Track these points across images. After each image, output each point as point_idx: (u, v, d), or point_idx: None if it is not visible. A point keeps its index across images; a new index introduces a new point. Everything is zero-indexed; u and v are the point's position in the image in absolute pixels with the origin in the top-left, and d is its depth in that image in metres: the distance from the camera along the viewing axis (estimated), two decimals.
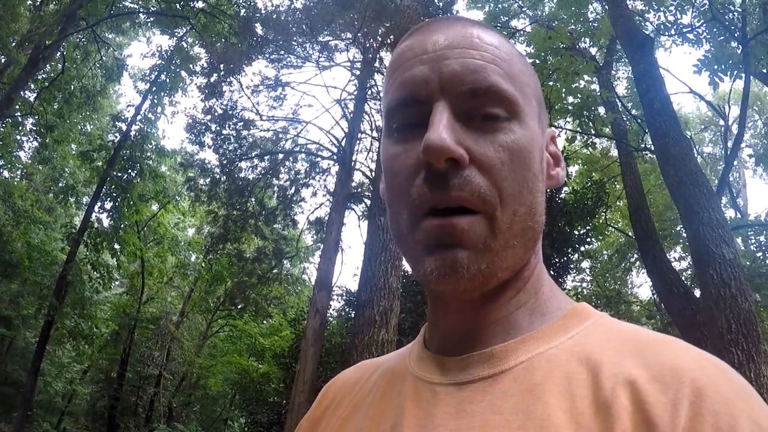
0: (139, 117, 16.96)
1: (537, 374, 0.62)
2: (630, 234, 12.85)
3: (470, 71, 0.65)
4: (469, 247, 0.62)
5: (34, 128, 16.93)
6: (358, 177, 13.99)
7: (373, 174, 11.63)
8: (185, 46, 17.12)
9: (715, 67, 8.07)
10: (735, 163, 18.29)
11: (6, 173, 18.60)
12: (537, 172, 0.68)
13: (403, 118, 0.68)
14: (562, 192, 11.63)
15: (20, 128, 16.96)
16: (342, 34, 13.68)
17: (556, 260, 10.88)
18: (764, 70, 10.14)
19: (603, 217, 12.70)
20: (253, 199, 14.38)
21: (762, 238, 12.69)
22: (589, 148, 12.23)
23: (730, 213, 15.22)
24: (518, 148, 0.65)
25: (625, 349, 0.61)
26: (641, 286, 22.91)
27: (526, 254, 0.68)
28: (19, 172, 19.65)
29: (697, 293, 7.18)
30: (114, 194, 16.10)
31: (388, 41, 12.26)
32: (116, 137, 17.08)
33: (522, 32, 13.42)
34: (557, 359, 0.63)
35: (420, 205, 0.64)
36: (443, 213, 0.63)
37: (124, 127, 16.84)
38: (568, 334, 0.66)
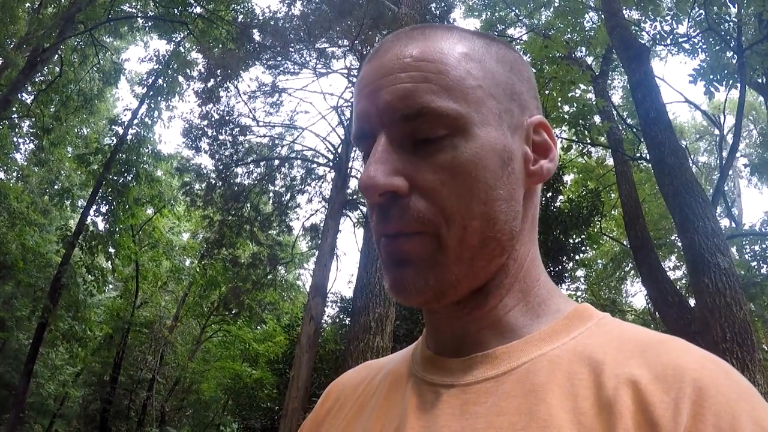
0: (135, 121, 16.98)
1: (539, 375, 0.62)
2: (625, 243, 12.90)
3: (399, 98, 0.64)
4: (415, 263, 0.65)
5: (31, 130, 16.93)
6: (353, 184, 14.00)
7: None
8: (183, 51, 17.14)
9: (711, 76, 8.08)
10: (730, 172, 18.39)
11: (2, 175, 18.58)
12: (493, 180, 0.65)
13: (362, 149, 0.71)
14: (558, 201, 11.66)
15: (17, 130, 16.95)
16: (339, 41, 13.73)
17: (551, 268, 10.90)
18: (759, 80, 10.19)
19: (598, 226, 12.74)
20: (248, 205, 14.37)
21: (757, 248, 12.72)
22: (585, 157, 12.22)
23: (725, 222, 15.28)
24: (459, 164, 0.64)
25: (628, 349, 0.61)
26: (636, 295, 22.90)
27: (490, 264, 0.67)
28: (15, 174, 19.62)
29: (692, 302, 7.18)
30: (110, 198, 16.10)
31: None
32: (113, 141, 17.10)
33: (519, 41, 13.45)
34: (559, 360, 0.63)
35: (375, 233, 0.68)
36: (391, 237, 0.66)
37: (120, 130, 16.85)
38: (570, 335, 0.66)
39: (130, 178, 16.25)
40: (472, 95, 0.66)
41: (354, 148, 13.60)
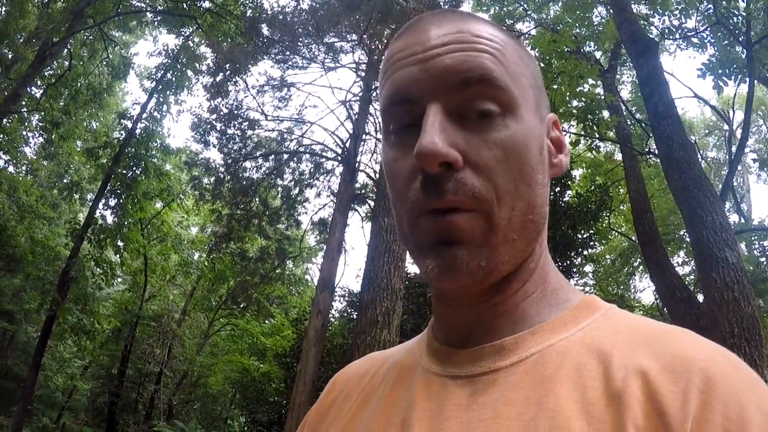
0: (144, 115, 17.00)
1: (548, 366, 0.63)
2: (633, 238, 12.84)
3: (461, 62, 0.64)
4: (468, 243, 0.63)
5: (40, 124, 16.96)
6: (362, 178, 14.00)
7: (377, 175, 11.65)
8: (191, 45, 17.15)
9: (720, 71, 8.05)
10: (739, 168, 18.29)
11: (11, 168, 18.62)
12: (535, 164, 0.67)
13: (396, 119, 0.68)
14: (566, 195, 11.63)
15: (26, 124, 17.00)
16: (348, 36, 13.70)
17: (559, 264, 10.87)
18: None
19: (606, 221, 12.68)
20: (257, 199, 14.38)
21: (766, 243, 12.67)
22: (593, 151, 12.18)
23: (733, 218, 15.25)
24: (512, 143, 0.64)
25: (636, 340, 0.61)
26: (644, 290, 22.84)
27: (528, 247, 0.68)
28: (24, 168, 19.66)
29: (701, 298, 7.17)
30: (118, 191, 16.13)
31: None
32: (122, 135, 17.12)
33: (527, 35, 13.41)
34: (568, 351, 0.63)
35: (418, 208, 0.65)
36: (440, 213, 0.63)
37: (129, 124, 16.88)
38: (579, 326, 0.66)
39: (138, 172, 16.27)
40: (521, 80, 0.68)
41: (363, 143, 13.60)
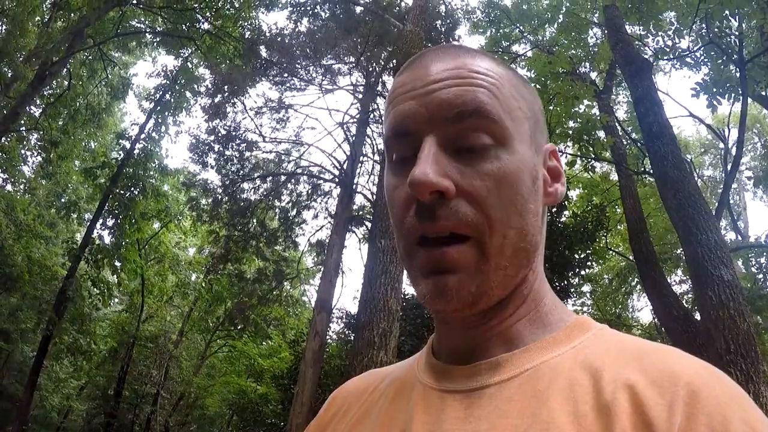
0: (142, 135, 17.03)
1: (541, 381, 0.65)
2: (630, 258, 12.84)
3: (456, 96, 0.67)
4: (460, 271, 0.66)
5: (39, 143, 16.95)
6: (359, 200, 14.01)
7: (374, 197, 11.68)
8: (190, 66, 17.23)
9: (714, 90, 8.11)
10: (735, 186, 18.32)
11: (9, 187, 18.56)
12: (527, 194, 0.69)
13: (397, 150, 0.72)
14: (563, 216, 11.63)
15: (25, 143, 16.98)
16: (345, 58, 13.80)
17: (557, 284, 10.85)
18: (763, 93, 10.19)
19: (603, 241, 12.69)
20: (254, 220, 14.38)
21: (762, 260, 12.68)
22: (589, 172, 12.23)
23: (730, 235, 15.26)
24: (504, 174, 0.67)
25: (625, 357, 0.64)
26: (642, 309, 22.76)
27: (518, 273, 0.71)
28: (22, 187, 19.62)
29: (698, 316, 7.16)
30: (116, 211, 16.10)
31: (391, 65, 12.37)
32: (120, 155, 17.17)
33: (523, 57, 13.50)
34: (560, 367, 0.66)
35: (412, 234, 0.68)
36: (434, 242, 0.67)
37: (127, 145, 16.92)
38: (571, 344, 0.69)
39: (136, 192, 16.27)
40: (515, 113, 0.71)
41: (360, 164, 13.65)
